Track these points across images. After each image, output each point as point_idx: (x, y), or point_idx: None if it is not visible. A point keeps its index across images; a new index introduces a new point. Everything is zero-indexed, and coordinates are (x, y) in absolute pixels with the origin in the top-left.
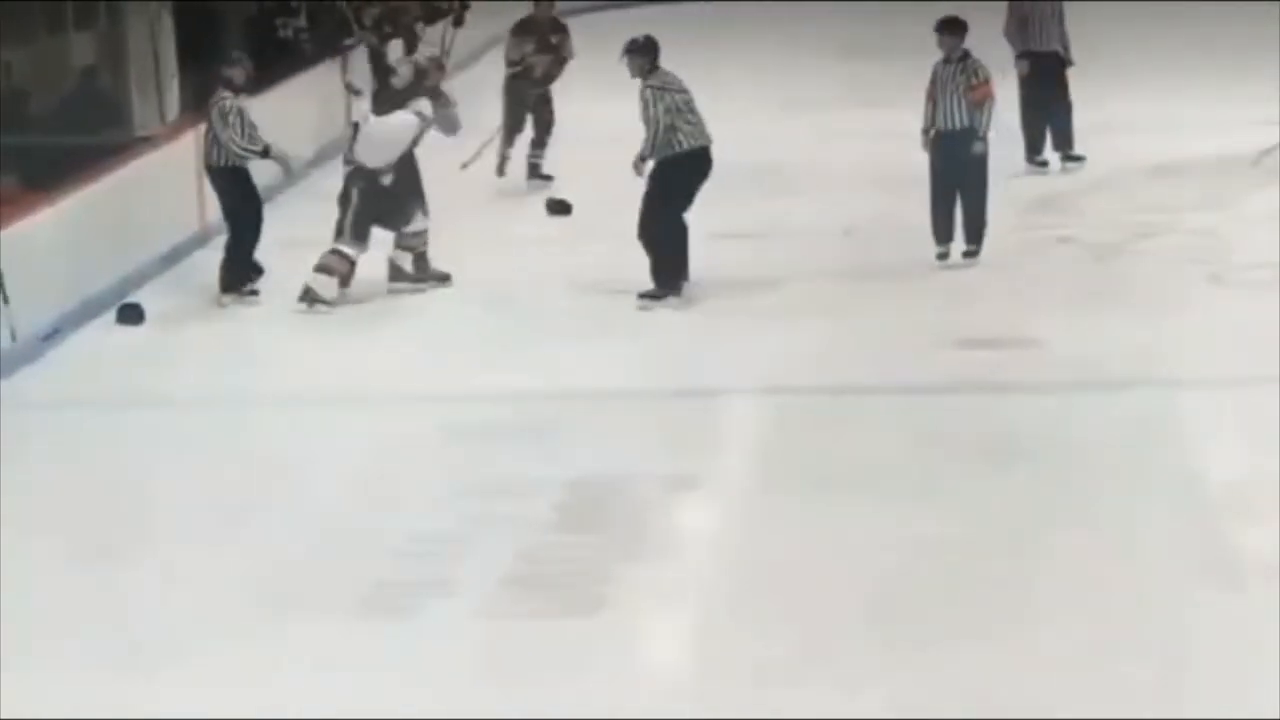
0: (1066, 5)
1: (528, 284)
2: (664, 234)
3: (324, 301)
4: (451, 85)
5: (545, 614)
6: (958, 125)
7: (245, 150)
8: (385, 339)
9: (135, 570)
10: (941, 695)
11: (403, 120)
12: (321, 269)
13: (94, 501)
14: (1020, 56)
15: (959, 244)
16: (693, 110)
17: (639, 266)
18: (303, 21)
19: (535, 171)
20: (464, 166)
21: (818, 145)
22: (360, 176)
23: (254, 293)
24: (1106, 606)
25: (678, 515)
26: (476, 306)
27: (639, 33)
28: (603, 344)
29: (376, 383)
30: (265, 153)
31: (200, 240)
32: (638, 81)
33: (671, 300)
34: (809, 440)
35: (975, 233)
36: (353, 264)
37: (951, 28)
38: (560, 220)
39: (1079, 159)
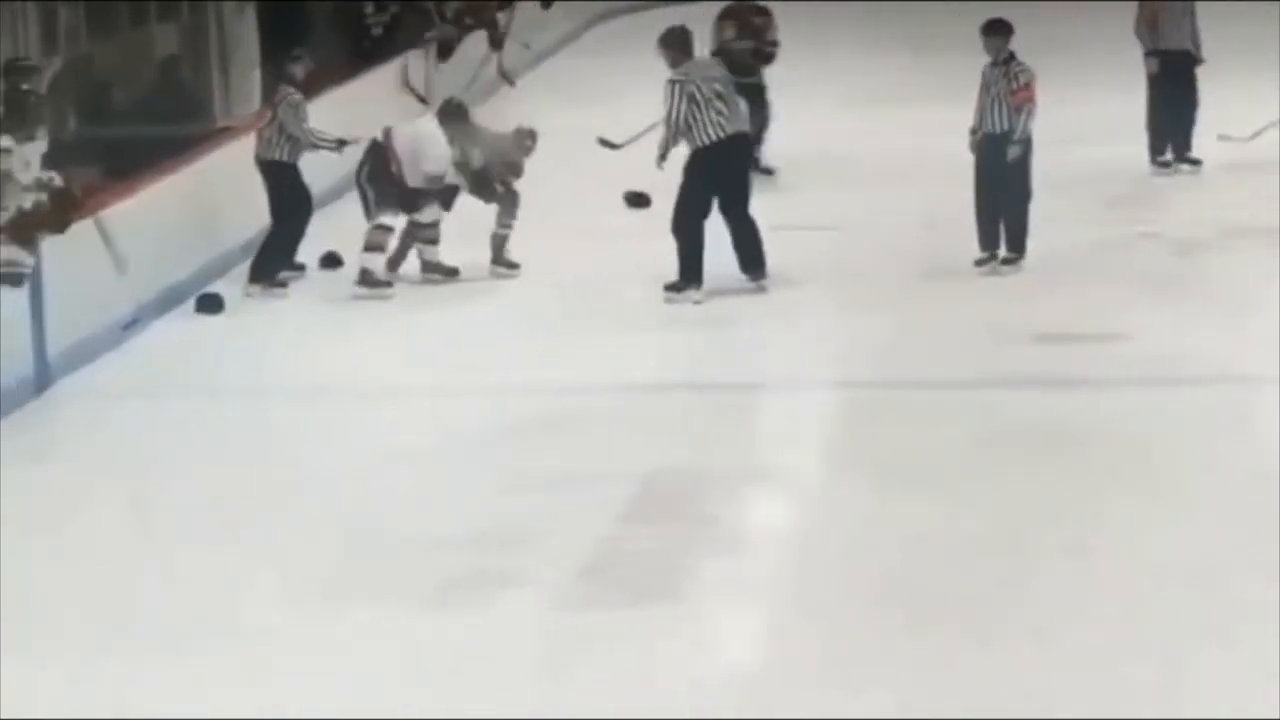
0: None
1: (602, 275)
2: (688, 226)
3: (383, 283)
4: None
5: (615, 605)
6: (999, 129)
7: (320, 142)
8: (456, 331)
9: (197, 560)
10: (1006, 694)
11: (437, 154)
12: (369, 248)
13: (161, 489)
14: (1150, 54)
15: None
16: (723, 99)
17: (710, 260)
18: (387, 15)
19: (755, 165)
20: (613, 146)
21: (887, 140)
22: (369, 157)
23: (282, 284)
24: (1171, 606)
25: (745, 508)
26: (548, 297)
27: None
28: (672, 336)
29: (442, 374)
30: (340, 144)
31: None
32: None
33: (692, 293)
34: (879, 435)
35: (1015, 240)
36: (393, 231)
37: (994, 29)
38: (639, 213)
39: (1196, 162)
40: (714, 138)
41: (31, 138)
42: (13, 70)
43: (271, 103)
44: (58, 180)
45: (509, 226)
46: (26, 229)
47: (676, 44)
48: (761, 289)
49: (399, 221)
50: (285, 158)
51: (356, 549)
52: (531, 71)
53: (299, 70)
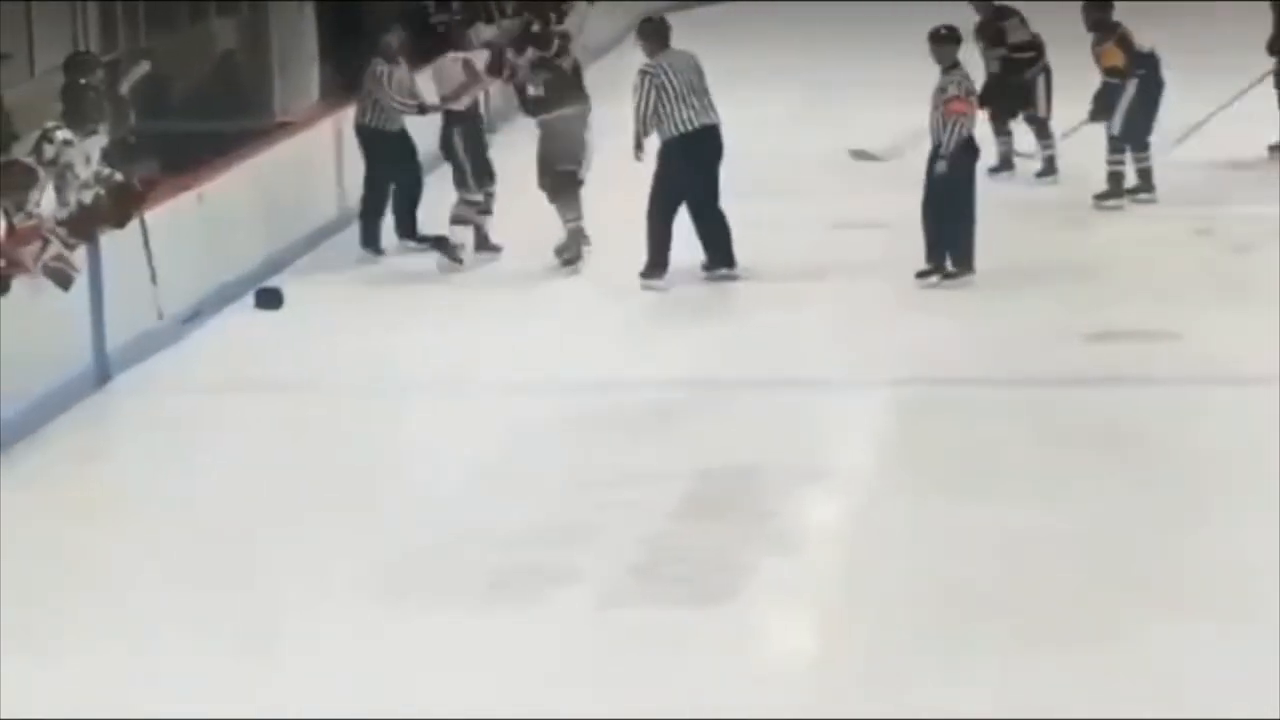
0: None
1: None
2: (657, 216)
3: (459, 259)
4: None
5: (668, 603)
6: (934, 141)
7: (402, 105)
8: (514, 326)
9: (258, 556)
10: (1060, 695)
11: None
12: (457, 220)
13: (220, 486)
14: None
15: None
16: (695, 91)
17: (765, 255)
18: (450, 14)
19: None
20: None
21: None
22: (456, 120)
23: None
24: (1223, 608)
25: (803, 506)
26: (604, 294)
27: (749, 29)
28: (726, 333)
29: (502, 370)
30: (422, 109)
31: (340, 224)
32: (757, 68)
33: (656, 284)
34: (934, 433)
35: (956, 257)
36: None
37: (935, 39)
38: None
39: None
40: (683, 130)
41: (93, 132)
42: (73, 65)
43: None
44: (117, 175)
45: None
46: (86, 224)
47: (653, 35)
48: (734, 277)
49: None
50: (375, 124)
51: (413, 544)
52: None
53: (392, 40)
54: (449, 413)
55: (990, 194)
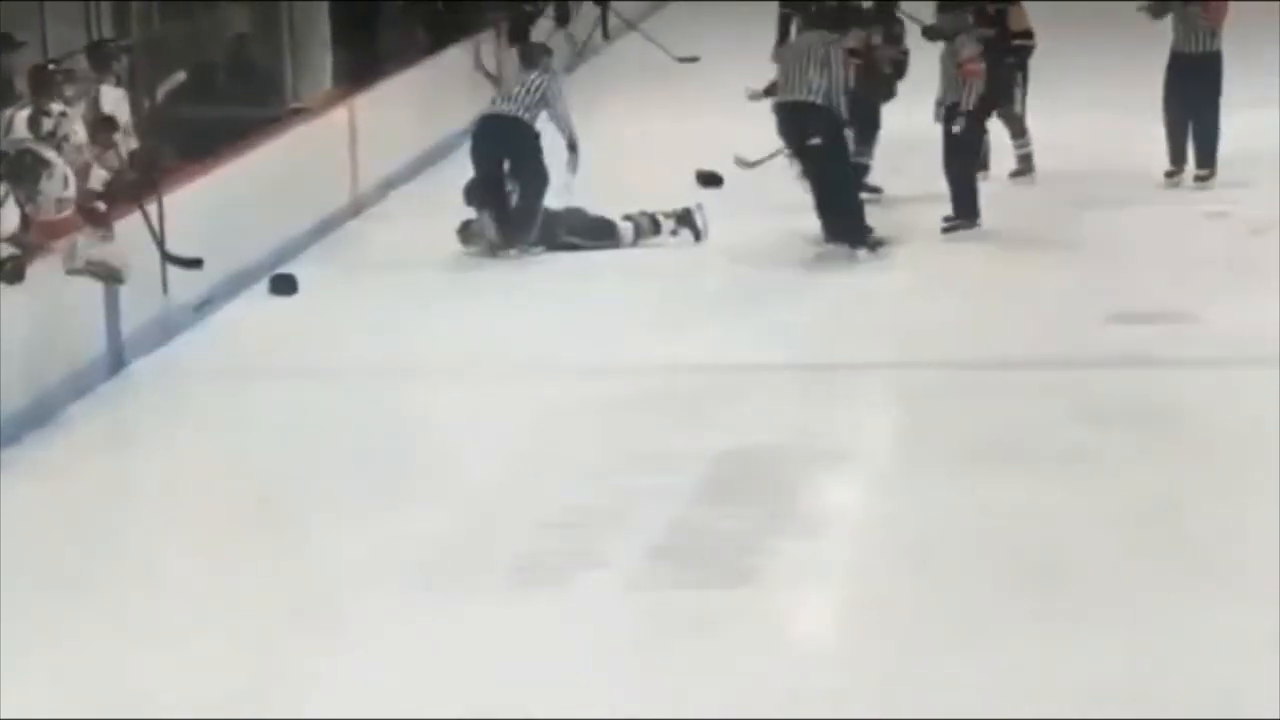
0: None
1: (678, 257)
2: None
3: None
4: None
5: (694, 586)
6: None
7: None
8: (534, 311)
9: (286, 542)
10: (1090, 674)
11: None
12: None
13: (244, 472)
14: None
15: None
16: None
17: (788, 240)
18: None
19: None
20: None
21: None
22: None
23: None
24: (1251, 589)
25: (827, 489)
26: (627, 279)
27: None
28: (752, 317)
29: (525, 355)
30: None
31: (353, 210)
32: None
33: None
34: (957, 414)
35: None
36: None
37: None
38: (713, 193)
39: None
40: None
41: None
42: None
43: None
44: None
45: None
46: (111, 205)
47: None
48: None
49: None
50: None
51: (441, 528)
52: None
53: None
54: (470, 398)
55: (1004, 177)
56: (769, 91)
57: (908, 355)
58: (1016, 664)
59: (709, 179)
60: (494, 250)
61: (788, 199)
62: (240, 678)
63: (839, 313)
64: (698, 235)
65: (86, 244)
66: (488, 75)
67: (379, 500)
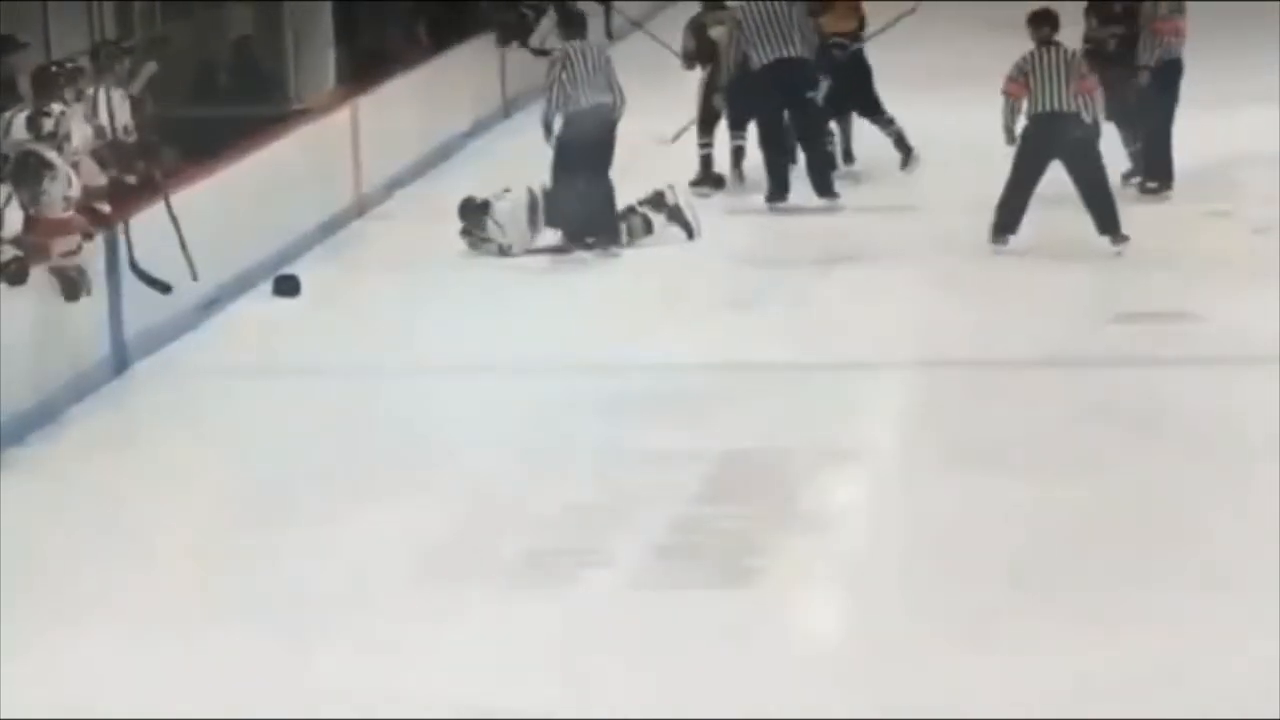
0: None
1: (680, 255)
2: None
3: None
4: None
5: (697, 585)
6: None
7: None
8: (537, 309)
9: (288, 538)
10: (1096, 674)
11: None
12: None
13: (248, 469)
14: None
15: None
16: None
17: (790, 238)
18: None
19: None
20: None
21: (966, 120)
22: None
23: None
24: (1253, 587)
25: (831, 488)
26: (630, 276)
27: None
28: (756, 315)
29: (529, 352)
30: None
31: (356, 211)
32: None
33: (581, 255)
34: (962, 413)
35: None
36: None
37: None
38: (709, 192)
39: None
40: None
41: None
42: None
43: None
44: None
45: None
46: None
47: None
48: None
49: None
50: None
51: (444, 526)
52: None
53: None
54: (474, 396)
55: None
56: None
57: (911, 354)
58: (1020, 664)
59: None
60: (503, 252)
61: (791, 196)
62: (244, 675)
63: (842, 312)
64: (690, 233)
65: (60, 249)
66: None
67: (382, 498)
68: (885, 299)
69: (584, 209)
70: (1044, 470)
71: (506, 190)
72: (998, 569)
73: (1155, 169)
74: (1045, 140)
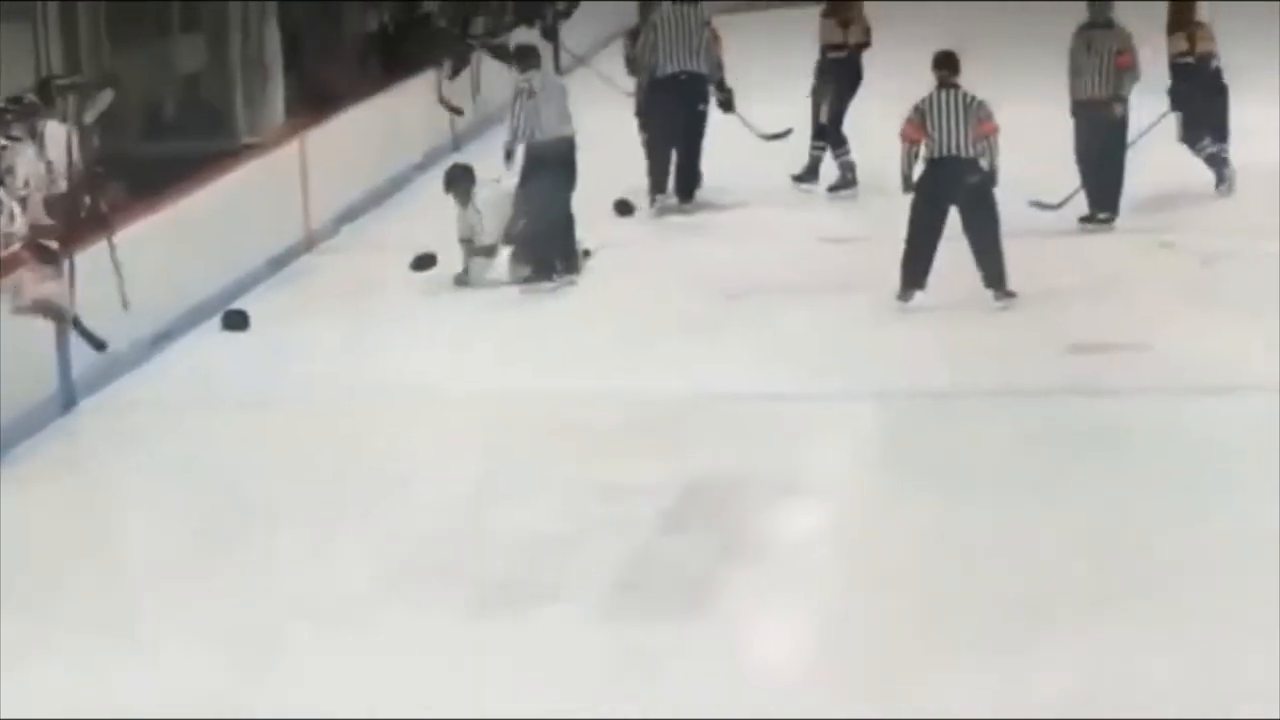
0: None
1: (638, 286)
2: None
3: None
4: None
5: (655, 616)
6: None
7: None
8: (495, 338)
9: (242, 569)
10: (1052, 697)
11: None
12: None
13: (199, 501)
14: None
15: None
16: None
17: (751, 266)
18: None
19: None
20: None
21: None
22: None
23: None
24: (1218, 606)
25: (789, 518)
26: (586, 304)
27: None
28: (713, 344)
29: (487, 383)
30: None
31: (306, 245)
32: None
33: (544, 285)
34: (917, 443)
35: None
36: None
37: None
38: (674, 219)
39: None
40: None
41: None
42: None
43: None
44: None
45: None
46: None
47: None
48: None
49: None
50: None
51: (400, 556)
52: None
53: None
54: (428, 426)
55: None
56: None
57: (867, 384)
58: (974, 691)
59: (624, 208)
60: (460, 282)
61: (751, 226)
62: (194, 703)
63: (799, 342)
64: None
65: (33, 281)
66: (449, 107)
67: (335, 528)
68: (842, 329)
69: (548, 237)
70: (1001, 499)
71: (496, 180)
72: (952, 597)
73: (1105, 199)
74: (942, 185)
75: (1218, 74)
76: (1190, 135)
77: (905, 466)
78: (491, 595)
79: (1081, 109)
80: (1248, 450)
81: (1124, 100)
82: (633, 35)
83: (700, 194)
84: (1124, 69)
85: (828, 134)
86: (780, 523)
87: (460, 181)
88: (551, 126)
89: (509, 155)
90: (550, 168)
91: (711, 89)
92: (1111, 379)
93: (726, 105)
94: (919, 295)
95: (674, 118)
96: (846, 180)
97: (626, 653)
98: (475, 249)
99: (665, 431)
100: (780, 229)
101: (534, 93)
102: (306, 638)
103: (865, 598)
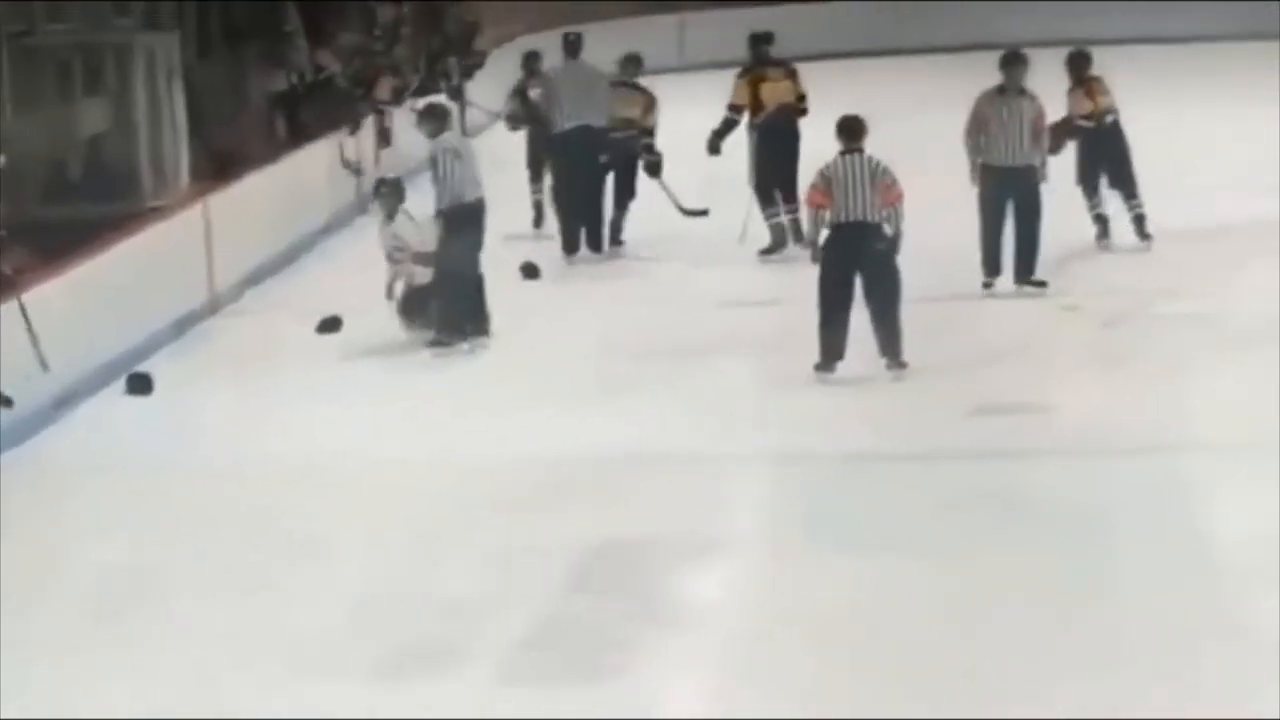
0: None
1: (552, 348)
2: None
3: None
4: None
5: (565, 681)
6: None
7: None
8: (404, 401)
9: (151, 636)
10: None
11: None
12: None
13: (103, 566)
14: None
15: None
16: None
17: (665, 328)
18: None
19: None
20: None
21: None
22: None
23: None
24: (1127, 668)
25: (698, 580)
26: (497, 366)
27: None
28: (623, 409)
29: (394, 448)
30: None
31: (210, 308)
32: None
33: (462, 346)
34: (828, 504)
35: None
36: None
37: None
38: (584, 281)
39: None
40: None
41: None
42: None
43: None
44: None
45: None
46: None
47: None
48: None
49: None
50: None
51: (304, 621)
52: None
53: None
54: (336, 491)
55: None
56: None
57: (781, 446)
58: None
59: (529, 270)
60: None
61: (659, 290)
62: None
63: (714, 403)
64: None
65: None
66: (356, 172)
67: (242, 593)
68: (750, 392)
69: (459, 299)
70: (907, 563)
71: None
72: (860, 659)
73: (996, 264)
74: (848, 251)
75: (1116, 128)
76: (1086, 189)
77: (814, 529)
78: (402, 660)
79: (996, 173)
80: (1146, 511)
81: (1045, 165)
82: (519, 92)
83: (617, 251)
84: (1040, 134)
85: (765, 197)
86: (694, 584)
87: (389, 196)
88: (469, 188)
89: (442, 216)
90: (465, 229)
91: (640, 149)
92: (1016, 442)
93: (652, 169)
94: (838, 367)
95: (576, 175)
96: (778, 243)
97: (535, 714)
98: (404, 257)
99: (578, 493)
100: (694, 290)
101: (460, 154)
102: (212, 702)
103: (779, 661)
